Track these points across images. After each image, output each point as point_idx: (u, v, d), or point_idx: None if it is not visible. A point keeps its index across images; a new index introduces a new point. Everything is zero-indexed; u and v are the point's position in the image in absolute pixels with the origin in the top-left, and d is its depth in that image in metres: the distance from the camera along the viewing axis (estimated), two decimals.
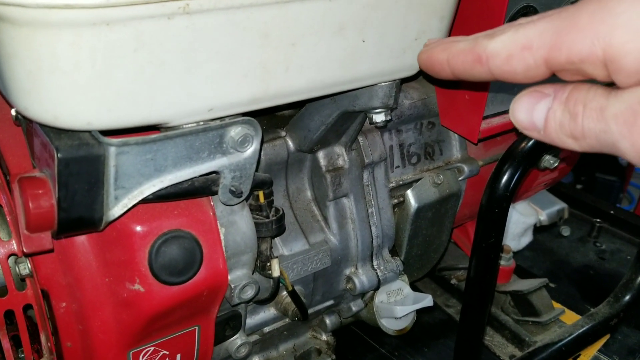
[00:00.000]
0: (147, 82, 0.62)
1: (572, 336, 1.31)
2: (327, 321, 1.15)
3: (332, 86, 0.78)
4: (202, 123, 0.70)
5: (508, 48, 0.47)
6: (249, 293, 0.84)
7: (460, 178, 1.13)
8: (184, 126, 0.70)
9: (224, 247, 0.80)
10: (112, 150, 0.66)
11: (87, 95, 0.60)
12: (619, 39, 0.39)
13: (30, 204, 0.67)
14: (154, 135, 0.68)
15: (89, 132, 0.66)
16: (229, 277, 0.82)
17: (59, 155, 0.63)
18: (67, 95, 0.60)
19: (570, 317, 1.46)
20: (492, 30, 0.51)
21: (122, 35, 0.58)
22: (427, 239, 1.14)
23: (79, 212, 0.67)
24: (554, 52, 0.43)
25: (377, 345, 1.38)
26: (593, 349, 1.40)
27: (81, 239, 0.77)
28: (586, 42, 0.41)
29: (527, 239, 1.71)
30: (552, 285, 1.58)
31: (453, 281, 1.50)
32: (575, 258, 1.76)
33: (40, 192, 0.67)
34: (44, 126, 0.66)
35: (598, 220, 1.83)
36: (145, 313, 0.78)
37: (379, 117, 0.87)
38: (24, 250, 0.68)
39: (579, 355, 1.38)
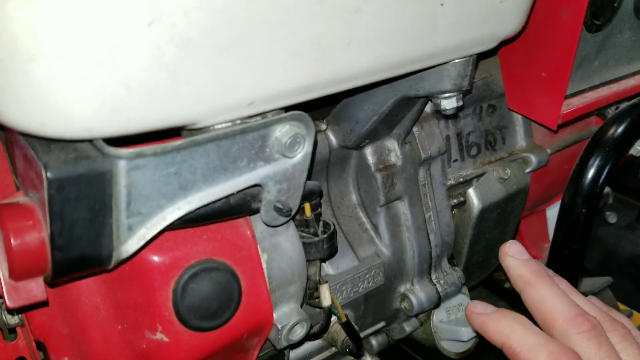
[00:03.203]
0: (167, 68, 0.46)
1: None
2: (374, 342, 0.99)
3: (399, 66, 0.62)
4: (239, 122, 0.53)
5: None
6: (299, 333, 0.67)
7: (527, 170, 0.96)
8: (216, 127, 0.52)
9: (267, 278, 0.63)
10: (122, 164, 0.48)
11: (83, 90, 0.44)
12: None
13: (12, 241, 0.49)
14: (177, 142, 0.50)
15: (90, 141, 0.48)
16: (274, 316, 0.65)
17: (48, 174, 0.46)
18: (56, 91, 0.43)
19: (637, 319, 1.30)
20: None
21: (131, 3, 0.41)
22: (489, 244, 0.98)
23: (80, 249, 0.50)
24: None
25: None
26: None
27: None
28: None
29: None
30: None
31: (507, 285, 1.33)
32: (624, 247, 1.63)
33: (25, 224, 0.50)
34: (27, 136, 0.48)
35: None
36: None
37: (449, 104, 0.70)
38: (8, 305, 0.50)
39: None
